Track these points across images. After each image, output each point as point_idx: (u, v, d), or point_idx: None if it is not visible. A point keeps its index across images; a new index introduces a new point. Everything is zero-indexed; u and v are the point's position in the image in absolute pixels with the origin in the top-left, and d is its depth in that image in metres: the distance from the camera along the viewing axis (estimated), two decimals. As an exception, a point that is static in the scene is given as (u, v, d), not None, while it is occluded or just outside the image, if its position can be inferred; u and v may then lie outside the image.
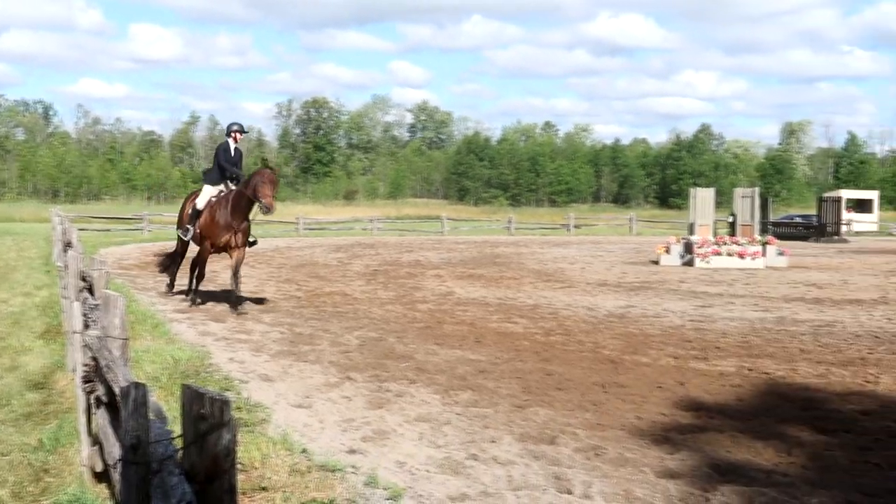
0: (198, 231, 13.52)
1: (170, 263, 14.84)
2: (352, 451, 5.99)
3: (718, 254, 23.85)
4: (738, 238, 24.72)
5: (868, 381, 8.54)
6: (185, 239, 13.83)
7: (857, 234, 49.44)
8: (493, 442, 6.25)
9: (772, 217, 44.35)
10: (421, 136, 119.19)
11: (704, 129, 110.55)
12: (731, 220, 27.23)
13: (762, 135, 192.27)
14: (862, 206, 57.81)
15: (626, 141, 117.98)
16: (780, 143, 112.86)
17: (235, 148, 13.77)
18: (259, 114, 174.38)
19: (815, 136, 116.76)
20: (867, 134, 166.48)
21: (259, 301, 14.18)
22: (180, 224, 14.25)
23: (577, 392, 7.88)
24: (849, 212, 52.44)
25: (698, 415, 7.13)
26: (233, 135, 13.74)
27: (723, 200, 35.69)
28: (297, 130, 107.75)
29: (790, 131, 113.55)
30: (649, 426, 6.73)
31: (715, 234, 25.59)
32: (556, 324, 12.29)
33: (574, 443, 6.25)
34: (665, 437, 6.44)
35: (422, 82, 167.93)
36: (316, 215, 52.60)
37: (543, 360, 9.48)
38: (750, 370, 9.06)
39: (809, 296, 16.51)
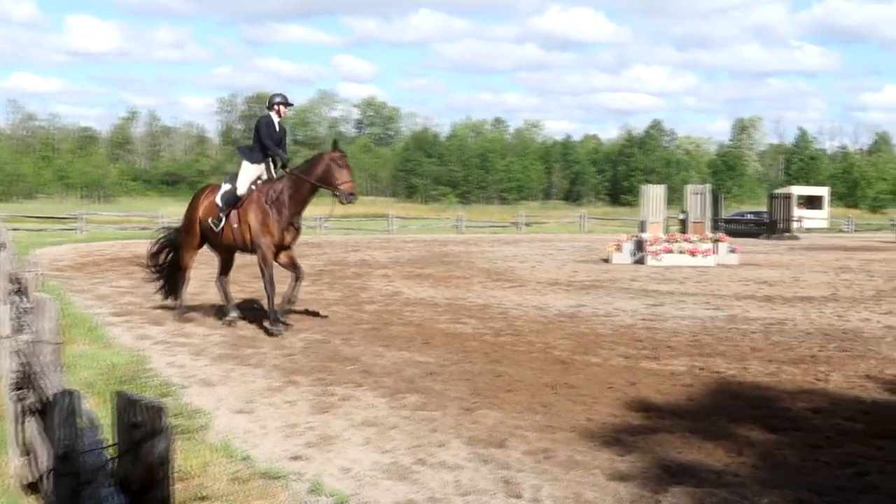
0: (235, 225, 11.58)
1: (172, 278, 12.63)
2: (295, 458, 5.95)
3: (670, 251, 24.11)
4: (690, 235, 25.01)
5: (819, 379, 8.69)
6: (217, 228, 11.69)
7: (808, 230, 50.28)
8: (441, 446, 6.25)
9: (723, 214, 44.96)
10: (368, 132, 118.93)
11: (656, 125, 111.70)
12: (682, 217, 27.55)
13: (713, 131, 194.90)
14: (812, 202, 58.84)
15: (576, 137, 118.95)
16: (731, 140, 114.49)
17: (279, 123, 11.91)
18: (200, 109, 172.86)
19: (766, 133, 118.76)
20: (818, 130, 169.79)
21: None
22: (189, 224, 12.22)
23: (527, 393, 7.91)
24: (800, 208, 53.30)
25: (649, 415, 7.20)
26: (276, 107, 11.85)
27: (674, 197, 36.08)
28: (241, 126, 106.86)
29: (741, 127, 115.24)
30: (600, 428, 6.78)
31: (666, 232, 25.86)
32: (506, 324, 12.33)
33: (524, 445, 6.28)
34: (616, 438, 6.49)
35: (368, 77, 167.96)
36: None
37: (493, 361, 9.50)
38: (701, 369, 9.17)
39: (760, 293, 16.75)
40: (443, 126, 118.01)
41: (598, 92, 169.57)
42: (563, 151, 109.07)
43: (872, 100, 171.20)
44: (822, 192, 62.28)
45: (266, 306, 11.54)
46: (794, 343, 10.89)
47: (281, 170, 11.83)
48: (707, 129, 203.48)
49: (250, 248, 11.65)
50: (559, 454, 6.07)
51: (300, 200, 11.48)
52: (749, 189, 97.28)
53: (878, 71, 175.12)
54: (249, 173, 11.72)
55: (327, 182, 11.27)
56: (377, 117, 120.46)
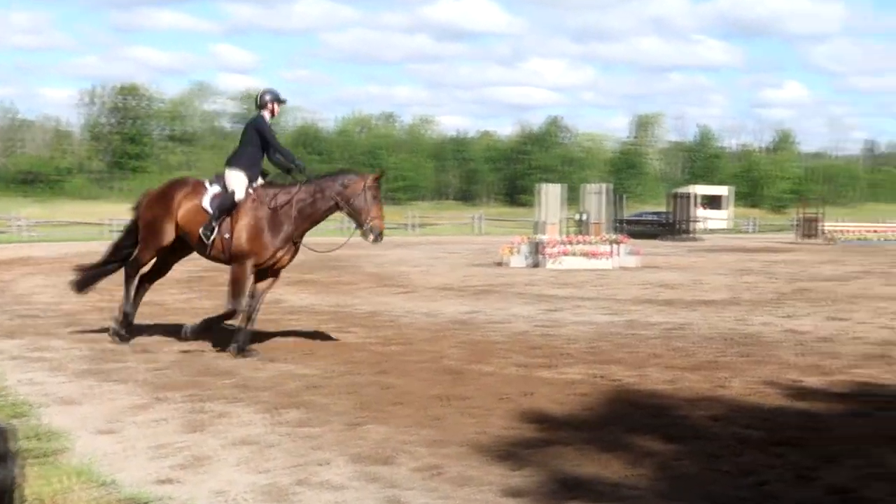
0: (227, 235, 10.61)
1: (100, 273, 11.72)
2: (165, 481, 5.83)
3: (568, 254, 24.49)
4: (589, 237, 25.46)
5: (719, 386, 8.93)
6: (208, 241, 10.66)
7: (710, 231, 51.70)
8: (323, 464, 6.21)
9: (624, 214, 45.89)
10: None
11: (553, 121, 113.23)
12: (581, 217, 28.02)
13: (613, 127, 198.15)
14: (714, 202, 60.56)
15: (471, 133, 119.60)
16: (631, 136, 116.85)
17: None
18: (62, 101, 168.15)
19: (667, 129, 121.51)
20: (720, 127, 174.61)
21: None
22: (153, 223, 11.05)
23: (417, 406, 7.93)
24: (703, 208, 54.79)
25: (545, 427, 7.29)
26: (269, 106, 11.05)
27: (573, 197, 36.65)
28: (106, 120, 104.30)
29: (641, 123, 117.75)
30: (493, 441, 6.83)
31: (565, 234, 26.27)
32: (395, 332, 12.34)
33: (412, 462, 6.28)
34: (510, 452, 6.55)
35: (248, 67, 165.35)
36: (128, 216, 51.06)
37: (380, 372, 9.49)
38: (599, 377, 9.33)
39: (660, 297, 17.16)
40: (329, 120, 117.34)
41: (493, 86, 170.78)
42: (457, 148, 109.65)
43: (774, 96, 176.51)
44: (724, 191, 64.15)
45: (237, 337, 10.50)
46: (694, 349, 11.18)
47: (296, 176, 10.99)
48: (606, 125, 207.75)
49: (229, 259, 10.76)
50: (450, 470, 6.10)
51: (313, 217, 10.77)
52: (650, 188, 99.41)
53: (780, 66, 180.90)
54: (241, 181, 10.77)
55: (356, 209, 10.58)
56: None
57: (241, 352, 10.33)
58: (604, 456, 6.43)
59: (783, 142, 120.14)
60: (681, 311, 15.06)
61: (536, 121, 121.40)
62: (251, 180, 10.84)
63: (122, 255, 11.63)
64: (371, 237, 10.64)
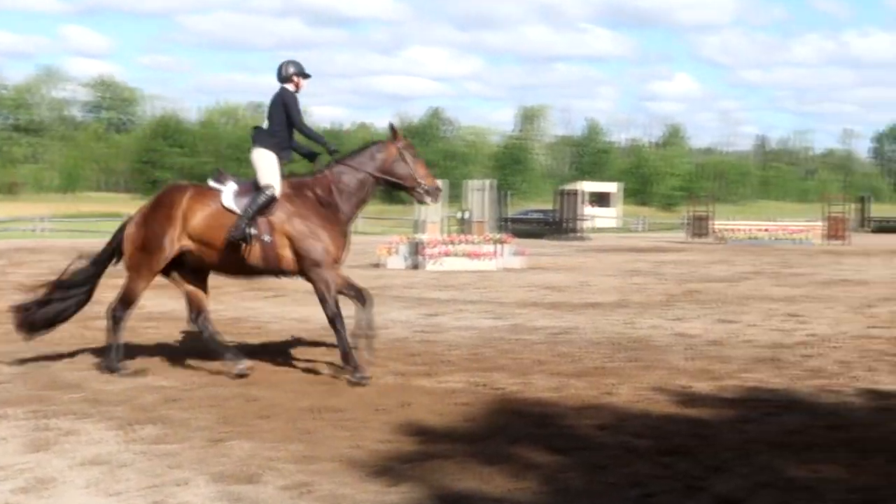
0: (266, 238, 9.77)
1: (52, 310, 10.29)
2: (3, 507, 5.65)
3: (449, 255, 24.62)
4: (471, 237, 25.63)
5: (606, 393, 9.08)
6: (249, 240, 9.70)
7: (598, 230, 52.64)
8: (182, 485, 6.09)
9: (508, 212, 46.37)
10: (101, 116, 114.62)
11: (435, 114, 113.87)
12: (462, 216, 28.20)
13: (498, 120, 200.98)
14: (602, 199, 61.68)
15: (347, 125, 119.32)
16: (516, 130, 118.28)
17: None
18: None
19: (554, 123, 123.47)
20: (608, 121, 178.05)
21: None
22: (152, 243, 9.91)
23: (285, 419, 7.85)
24: (591, 206, 55.76)
25: (423, 440, 7.30)
26: (293, 80, 10.37)
27: (455, 194, 36.87)
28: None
29: (527, 116, 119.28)
30: (368, 456, 6.80)
31: (447, 233, 26.40)
32: (263, 339, 12.20)
33: (280, 480, 6.21)
34: (386, 467, 6.53)
35: (101, 51, 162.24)
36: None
37: (245, 383, 9.38)
38: (481, 386, 9.39)
39: (546, 300, 17.38)
40: (191, 111, 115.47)
41: (371, 75, 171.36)
42: (332, 140, 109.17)
43: (664, 89, 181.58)
44: (613, 188, 65.38)
45: (343, 353, 9.89)
46: (580, 354, 11.34)
47: (325, 158, 10.47)
48: (491, 118, 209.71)
49: (287, 269, 10.01)
50: (321, 488, 6.05)
51: (358, 200, 10.13)
52: (536, 185, 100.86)
53: (670, 58, 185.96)
54: (274, 164, 10.04)
55: (400, 176, 10.12)
56: (113, 99, 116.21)
57: (359, 368, 9.67)
58: (486, 469, 6.46)
59: (673, 137, 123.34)
60: (567, 314, 15.27)
61: (417, 113, 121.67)
62: (281, 162, 10.19)
63: (75, 292, 10.39)
64: (429, 199, 10.42)
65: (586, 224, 48.77)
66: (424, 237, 25.24)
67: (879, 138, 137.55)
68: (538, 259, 28.13)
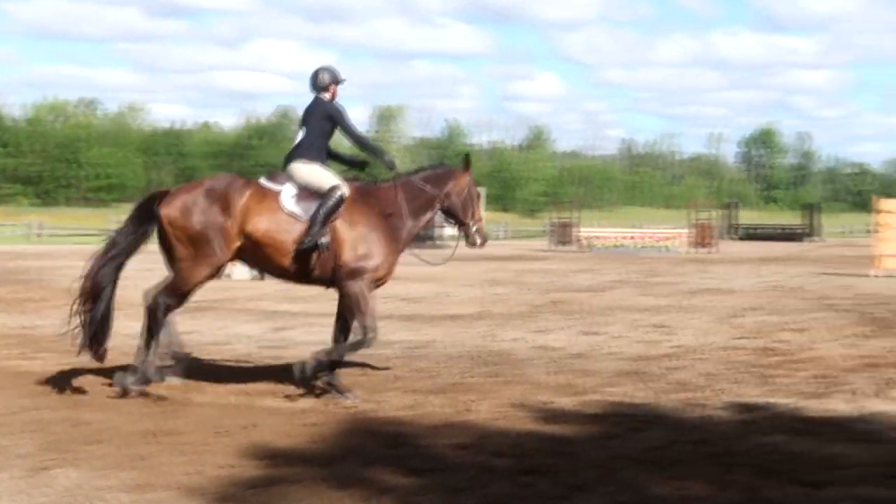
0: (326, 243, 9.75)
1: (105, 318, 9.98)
2: None
3: (300, 264, 24.46)
4: (323, 244, 25.55)
5: (465, 410, 9.17)
6: (326, 248, 9.74)
7: (458, 237, 52.96)
8: (0, 519, 5.92)
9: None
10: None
11: (284, 112, 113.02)
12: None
13: (353, 119, 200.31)
14: (463, 205, 62.14)
15: (189, 124, 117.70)
16: (372, 131, 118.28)
17: None
18: None
19: (412, 123, 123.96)
20: (469, 122, 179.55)
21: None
22: (208, 237, 9.73)
23: (118, 445, 7.70)
24: (449, 212, 56.02)
25: (270, 463, 7.25)
26: (330, 89, 10.40)
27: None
28: None
29: (383, 117, 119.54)
30: (210, 482, 6.72)
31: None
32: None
33: (111, 511, 6.09)
34: (228, 493, 6.47)
35: None
36: None
37: (74, 405, 9.19)
38: (331, 405, 9.40)
39: (402, 312, 17.45)
40: (14, 106, 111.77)
41: (214, 70, 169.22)
42: (172, 141, 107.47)
43: (527, 89, 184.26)
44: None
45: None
46: (438, 369, 11.43)
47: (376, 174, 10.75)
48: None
49: (335, 277, 9.98)
50: (156, 518, 5.95)
51: (421, 221, 10.47)
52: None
53: (532, 56, 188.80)
54: (325, 169, 10.15)
55: (461, 209, 10.48)
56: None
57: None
58: (337, 493, 6.45)
59: (537, 139, 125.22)
60: (424, 326, 15.36)
61: (265, 111, 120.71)
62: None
63: (111, 278, 10.08)
64: (479, 241, 10.64)
65: (445, 231, 49.03)
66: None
67: (747, 143, 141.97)
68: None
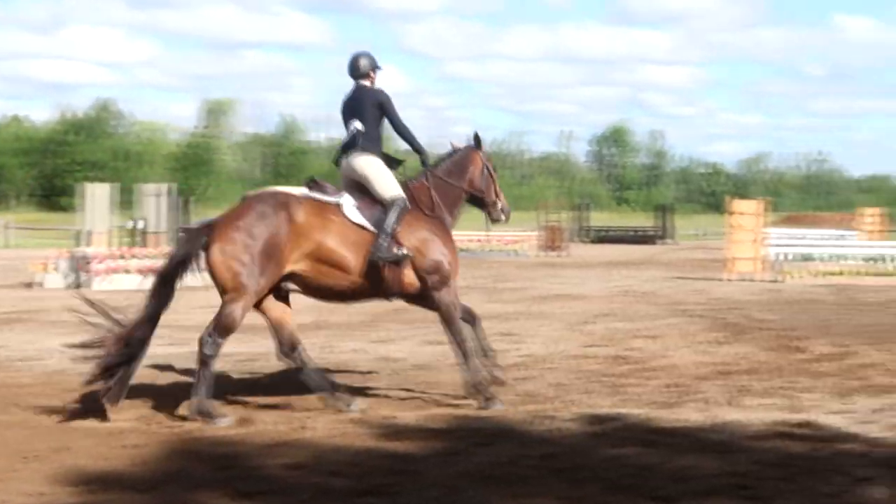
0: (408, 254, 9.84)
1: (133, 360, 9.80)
2: None
3: (119, 271, 24.01)
4: (146, 250, 25.11)
5: (300, 427, 9.13)
6: (402, 261, 9.77)
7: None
8: None
9: (190, 221, 45.74)
10: None
11: (103, 106, 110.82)
12: (135, 226, 27.56)
13: (178, 114, 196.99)
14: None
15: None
16: (200, 127, 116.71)
17: None
18: None
19: (244, 119, 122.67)
20: (306, 117, 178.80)
21: None
22: (268, 259, 9.51)
23: None
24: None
25: (85, 489, 7.09)
26: (370, 76, 10.57)
27: (128, 200, 36.00)
28: None
29: (212, 111, 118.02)
30: (15, 512, 6.55)
31: (116, 246, 25.76)
32: None
33: None
34: (36, 524, 6.31)
35: None
36: None
37: None
38: (153, 424, 9.27)
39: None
40: None
41: (23, 58, 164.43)
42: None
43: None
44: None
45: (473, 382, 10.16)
46: (271, 383, 11.33)
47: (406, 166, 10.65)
48: (170, 112, 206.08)
49: (405, 291, 10.06)
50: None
51: (454, 215, 10.52)
52: (223, 189, 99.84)
53: (372, 49, 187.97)
54: (387, 170, 10.21)
55: (482, 189, 10.65)
56: None
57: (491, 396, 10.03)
58: (159, 521, 6.36)
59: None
60: (257, 338, 15.16)
61: (81, 104, 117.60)
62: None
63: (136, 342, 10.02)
64: (503, 216, 10.81)
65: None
66: (89, 251, 24.51)
67: (598, 141, 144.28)
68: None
